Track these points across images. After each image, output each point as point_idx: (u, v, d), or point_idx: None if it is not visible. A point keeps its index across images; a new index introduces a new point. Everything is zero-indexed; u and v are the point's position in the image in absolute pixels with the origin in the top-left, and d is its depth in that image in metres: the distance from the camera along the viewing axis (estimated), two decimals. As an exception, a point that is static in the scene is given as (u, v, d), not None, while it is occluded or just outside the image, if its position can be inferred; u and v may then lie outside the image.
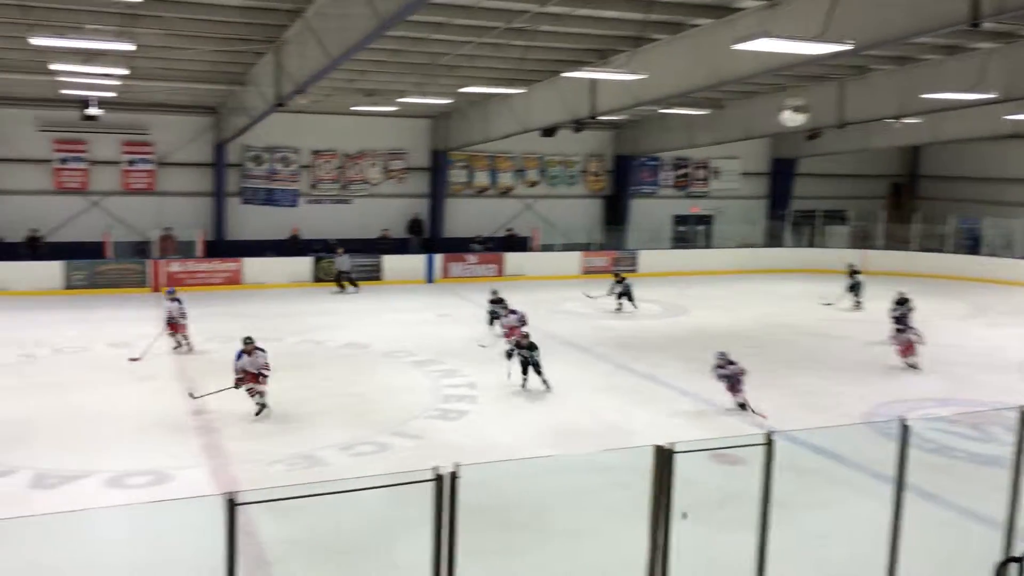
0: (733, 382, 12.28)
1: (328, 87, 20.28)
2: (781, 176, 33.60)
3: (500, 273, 26.83)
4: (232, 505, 4.25)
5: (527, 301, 22.22)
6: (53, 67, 15.80)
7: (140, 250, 24.39)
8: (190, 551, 7.49)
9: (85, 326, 18.01)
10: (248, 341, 11.86)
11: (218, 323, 18.61)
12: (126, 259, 23.52)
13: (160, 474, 9.64)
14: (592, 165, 31.45)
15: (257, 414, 11.62)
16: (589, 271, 27.50)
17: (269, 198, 27.32)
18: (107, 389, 13.20)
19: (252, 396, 11.65)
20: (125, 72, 15.99)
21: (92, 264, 22.86)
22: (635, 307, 20.92)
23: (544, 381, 13.23)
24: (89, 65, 15.33)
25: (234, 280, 23.80)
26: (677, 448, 5.33)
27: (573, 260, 27.95)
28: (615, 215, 31.38)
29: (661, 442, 5.40)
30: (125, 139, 25.44)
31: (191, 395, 12.06)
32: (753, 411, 12.03)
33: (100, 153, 25.28)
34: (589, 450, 10.49)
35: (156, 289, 22.90)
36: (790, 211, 32.69)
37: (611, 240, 30.03)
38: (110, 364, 14.78)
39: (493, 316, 17.84)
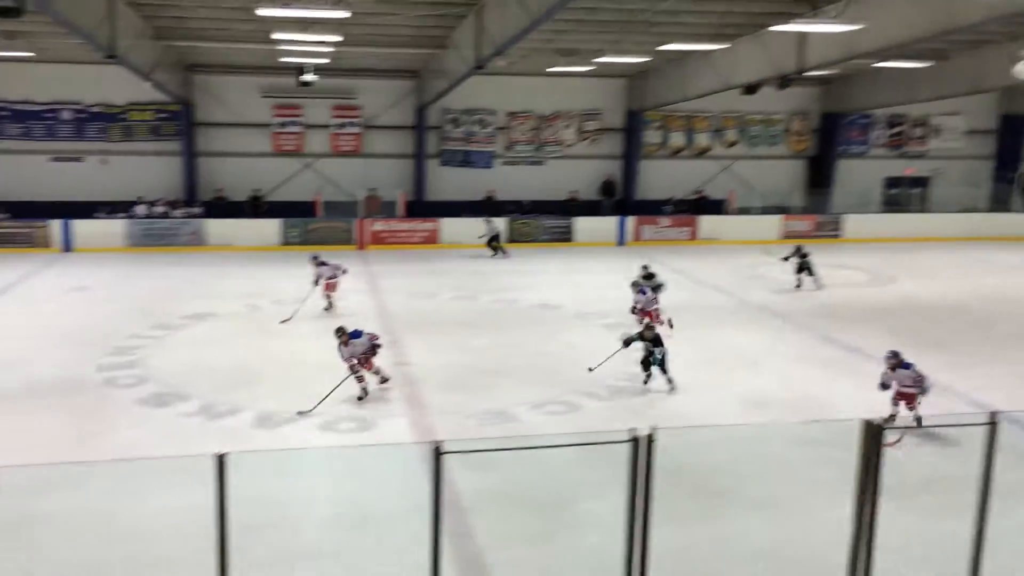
0: (911, 394, 9.51)
1: (525, 48, 20.45)
2: (1010, 134, 30.54)
3: (693, 237, 26.24)
4: (438, 454, 4.45)
5: (721, 266, 21.64)
6: (275, 36, 16.89)
7: (347, 209, 25.84)
8: (393, 491, 7.96)
9: (300, 281, 19.32)
10: (340, 332, 11.10)
11: (417, 280, 19.48)
12: (335, 217, 25.01)
13: (365, 421, 10.25)
14: (796, 124, 29.95)
15: (360, 399, 10.89)
16: (790, 235, 26.30)
17: (466, 160, 28.10)
18: (319, 339, 14.14)
19: (359, 382, 10.95)
20: (338, 39, 16.83)
21: (305, 222, 24.50)
22: (817, 284, 18.46)
23: (669, 380, 11.43)
24: (306, 33, 16.26)
25: (431, 240, 24.73)
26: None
27: (772, 224, 26.81)
28: (819, 176, 29.78)
29: (864, 417, 5.09)
30: (335, 103, 26.95)
31: (299, 413, 10.47)
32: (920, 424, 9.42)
33: (313, 117, 26.94)
34: (785, 420, 10.12)
35: (361, 247, 24.24)
36: (1020, 173, 29.67)
37: (814, 203, 28.54)
38: (318, 315, 15.78)
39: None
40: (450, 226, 25.15)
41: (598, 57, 21.54)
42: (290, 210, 25.26)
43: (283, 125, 26.85)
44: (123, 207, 24.44)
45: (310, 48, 19.25)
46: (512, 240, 25.19)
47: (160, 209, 24.64)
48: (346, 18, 14.84)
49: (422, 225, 25.13)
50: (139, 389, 11.33)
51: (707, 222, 26.62)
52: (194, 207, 25.06)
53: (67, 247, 22.87)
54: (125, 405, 10.75)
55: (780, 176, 29.87)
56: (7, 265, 20.39)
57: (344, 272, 16.20)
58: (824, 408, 10.73)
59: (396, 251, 24.07)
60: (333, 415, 10.27)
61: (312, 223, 24.60)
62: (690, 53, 22.41)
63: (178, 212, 24.53)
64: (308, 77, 22.96)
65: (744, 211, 27.95)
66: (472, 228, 24.12)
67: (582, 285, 19.30)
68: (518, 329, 15.12)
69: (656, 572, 4.98)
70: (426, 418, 10.45)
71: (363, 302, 17.04)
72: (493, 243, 23.23)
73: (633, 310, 14.20)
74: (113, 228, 23.41)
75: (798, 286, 18.60)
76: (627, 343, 11.57)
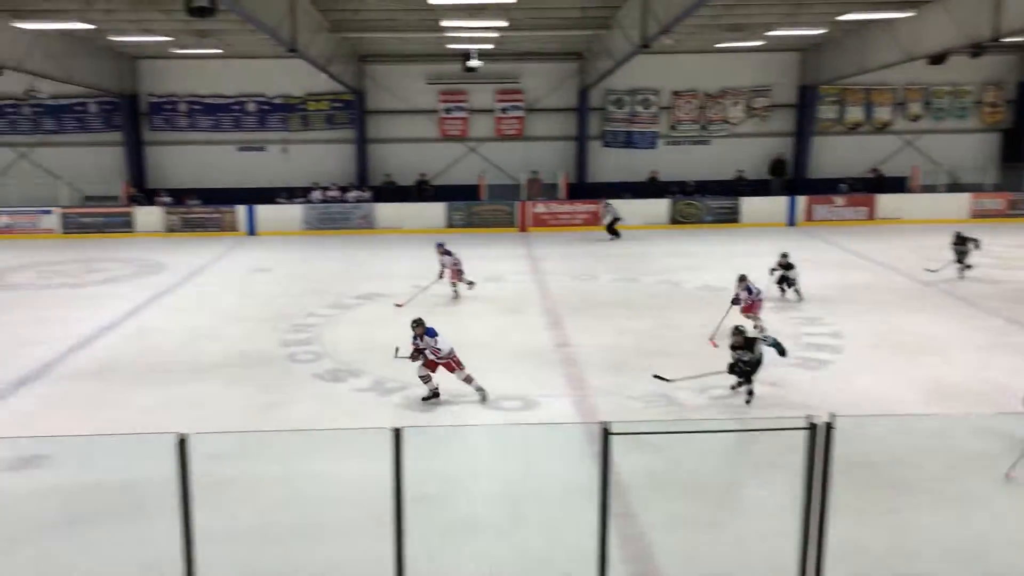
0: None
1: (692, 25, 19.93)
2: None
3: (871, 216, 24.83)
4: (607, 434, 4.43)
5: (902, 247, 20.36)
6: (443, 23, 17.27)
7: (510, 192, 26.17)
8: (557, 470, 8.02)
9: (465, 261, 19.78)
10: (418, 324, 10.17)
11: (579, 262, 19.50)
12: (497, 200, 25.40)
13: (528, 400, 10.36)
14: (989, 94, 27.65)
15: (425, 399, 10.27)
16: (980, 214, 24.41)
17: (628, 140, 27.79)
18: (483, 319, 14.44)
19: (425, 383, 10.24)
20: (504, 24, 17.01)
21: (469, 205, 25.03)
22: (961, 274, 16.41)
23: (750, 393, 9.94)
24: (473, 19, 16.53)
25: (593, 221, 24.68)
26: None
27: (960, 202, 24.94)
28: (1015, 151, 27.38)
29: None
30: (499, 88, 27.31)
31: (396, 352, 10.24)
32: None
33: (477, 102, 27.44)
34: (974, 411, 9.41)
35: (523, 229, 24.51)
36: None
37: (1009, 180, 26.28)
38: (485, 296, 16.09)
39: (782, 281, 15.28)
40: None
41: (770, 31, 20.70)
42: (455, 193, 25.89)
43: (448, 111, 27.51)
44: (300, 193, 25.88)
45: (476, 34, 19.57)
46: (675, 221, 24.75)
47: (333, 194, 25.89)
48: (513, 3, 14.96)
49: (584, 207, 25.10)
50: (317, 364, 11.97)
51: (886, 200, 25.10)
52: (364, 192, 26.15)
53: (251, 231, 24.46)
54: (305, 379, 11.39)
55: (970, 151, 27.71)
56: (201, 247, 22.06)
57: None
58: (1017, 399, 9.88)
59: (559, 233, 24.17)
60: (497, 393, 10.44)
61: (476, 206, 25.10)
62: (870, 22, 21.12)
63: (350, 196, 25.69)
64: (473, 63, 23.38)
65: (929, 189, 26.15)
66: (635, 209, 23.84)
67: (748, 267, 18.63)
68: (681, 311, 14.83)
69: (833, 566, 4.76)
70: (589, 399, 10.44)
71: (525, 284, 17.25)
72: (612, 227, 22.83)
73: (735, 301, 13.05)
74: (292, 213, 24.83)
75: (961, 277, 16.49)
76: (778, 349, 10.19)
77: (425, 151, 27.57)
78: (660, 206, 25.13)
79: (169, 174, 27.30)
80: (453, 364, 10.18)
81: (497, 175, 27.14)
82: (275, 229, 24.34)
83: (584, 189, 26.88)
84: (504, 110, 27.57)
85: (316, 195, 25.73)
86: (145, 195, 25.99)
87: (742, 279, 13.05)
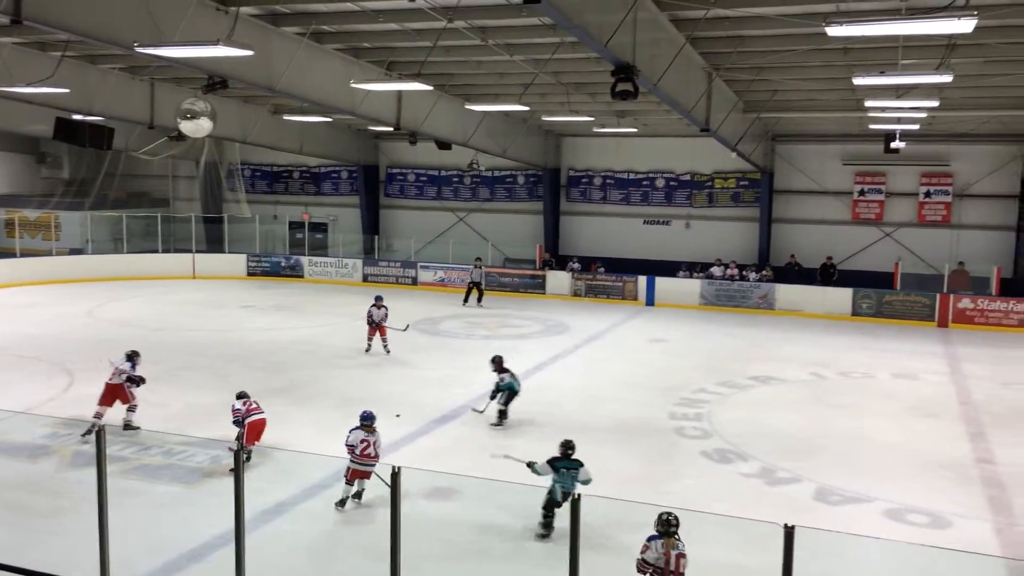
0: None
1: None
2: None
3: None
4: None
5: None
6: (867, 103, 16.51)
7: (929, 283, 23.84)
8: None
9: (869, 353, 18.39)
10: (366, 419, 9.23)
11: (1011, 368, 17.08)
12: (913, 291, 23.27)
13: (938, 517, 9.21)
14: None
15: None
16: None
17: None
18: (889, 419, 13.22)
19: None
20: (934, 104, 15.78)
21: (880, 293, 23.25)
22: None
23: None
24: (900, 100, 15.56)
25: (1032, 322, 21.50)
26: None
27: None
28: None
29: None
30: (923, 171, 25.23)
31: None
32: None
33: (896, 185, 25.60)
34: None
35: (943, 324, 22.13)
36: None
37: None
38: (893, 394, 14.77)
39: None
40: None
41: None
42: (864, 280, 24.26)
43: (863, 192, 26.01)
44: (700, 267, 26.12)
45: (902, 115, 18.36)
46: None
47: (733, 272, 25.72)
48: (947, 83, 13.83)
49: (1020, 306, 21.98)
50: (704, 442, 11.83)
51: None
52: (766, 271, 25.61)
53: (650, 301, 25.15)
54: (690, 455, 11.31)
55: None
56: (601, 313, 23.19)
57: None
58: None
59: (986, 332, 21.43)
60: (901, 503, 9.42)
61: (888, 295, 23.25)
62: None
63: (751, 275, 25.31)
64: (897, 144, 21.91)
65: None
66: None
67: None
68: None
69: None
70: (1015, 527, 8.99)
71: (942, 385, 15.52)
72: None
73: None
74: (690, 287, 25.10)
75: None
76: None
77: (834, 233, 26.31)
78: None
79: (579, 242, 29.28)
80: None
81: (914, 263, 24.94)
82: (673, 301, 24.78)
83: (1021, 285, 23.58)
84: (928, 194, 25.36)
85: (716, 271, 25.78)
86: (557, 260, 28.11)
87: None
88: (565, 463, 8.51)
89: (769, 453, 11.25)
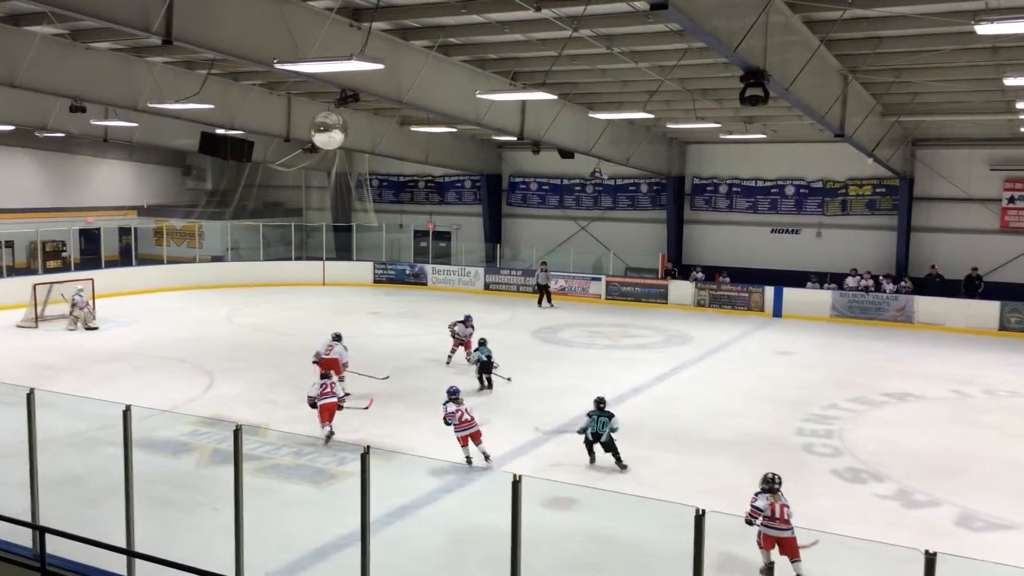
0: None
1: None
2: None
3: None
4: None
5: None
6: (1019, 105, 15.51)
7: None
8: None
9: (1018, 370, 17.21)
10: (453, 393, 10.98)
11: None
12: (1070, 305, 21.65)
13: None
14: None
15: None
16: None
17: None
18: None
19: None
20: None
21: (1030, 307, 21.76)
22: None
23: None
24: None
25: None
26: None
27: None
28: None
29: None
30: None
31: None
32: None
33: (1050, 191, 23.91)
34: None
35: (1103, 341, 20.49)
36: None
37: None
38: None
39: None
40: None
41: None
42: (1013, 292, 22.74)
43: (1013, 200, 24.40)
44: (832, 278, 25.08)
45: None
46: None
47: (868, 282, 24.58)
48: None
49: None
50: (834, 460, 11.35)
51: None
52: (905, 282, 24.36)
53: (777, 312, 24.36)
54: (820, 473, 10.86)
55: None
56: (726, 324, 22.63)
57: None
58: None
59: None
60: (1056, 535, 8.75)
61: (1039, 309, 21.73)
62: None
63: (888, 287, 24.14)
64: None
65: None
66: None
67: None
68: None
69: None
70: None
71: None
72: None
73: None
74: (821, 298, 24.16)
75: None
76: None
77: (980, 242, 24.76)
78: None
79: (703, 251, 28.67)
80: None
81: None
82: (801, 313, 23.92)
83: None
84: (1088, 200, 23.58)
85: (851, 281, 24.71)
86: (680, 270, 27.62)
87: None
88: (598, 412, 10.66)
89: (906, 474, 10.68)
